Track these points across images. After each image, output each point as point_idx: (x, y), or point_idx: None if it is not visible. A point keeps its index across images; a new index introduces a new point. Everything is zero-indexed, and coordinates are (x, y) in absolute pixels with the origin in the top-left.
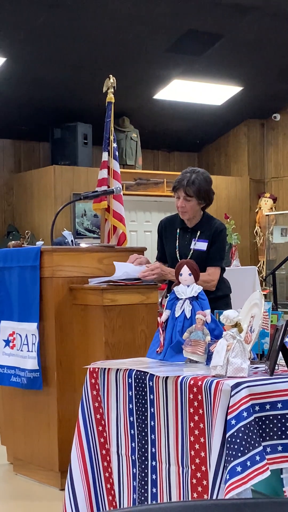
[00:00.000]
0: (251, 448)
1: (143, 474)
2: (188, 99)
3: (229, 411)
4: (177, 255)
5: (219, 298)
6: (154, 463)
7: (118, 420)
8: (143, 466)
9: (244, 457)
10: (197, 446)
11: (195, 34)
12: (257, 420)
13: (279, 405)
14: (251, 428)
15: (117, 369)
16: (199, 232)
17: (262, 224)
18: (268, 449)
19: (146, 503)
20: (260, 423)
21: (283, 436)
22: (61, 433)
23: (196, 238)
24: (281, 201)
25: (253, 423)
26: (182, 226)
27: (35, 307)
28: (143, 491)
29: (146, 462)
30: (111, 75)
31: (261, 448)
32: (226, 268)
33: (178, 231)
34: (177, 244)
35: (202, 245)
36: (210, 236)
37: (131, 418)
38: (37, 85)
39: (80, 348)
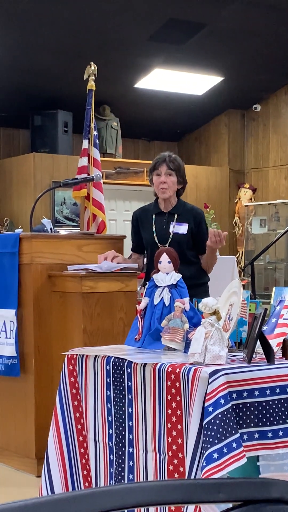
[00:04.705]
0: (228, 435)
1: (120, 461)
2: (169, 89)
3: (206, 398)
4: (156, 240)
5: (198, 285)
6: (131, 449)
7: (95, 407)
8: (120, 453)
9: (221, 444)
10: (174, 433)
11: (177, 23)
12: (234, 407)
13: (256, 393)
14: (228, 415)
15: (95, 356)
16: (176, 215)
17: (241, 215)
18: (245, 437)
19: None
20: (237, 410)
21: (260, 424)
22: (38, 419)
23: (174, 221)
24: (260, 192)
25: (230, 410)
26: (157, 212)
27: (13, 293)
28: (120, 477)
29: (123, 449)
30: (92, 63)
31: (238, 435)
32: None
33: (153, 217)
34: (154, 229)
35: (182, 229)
36: (190, 220)
37: (109, 405)
38: (17, 72)
39: (58, 335)
